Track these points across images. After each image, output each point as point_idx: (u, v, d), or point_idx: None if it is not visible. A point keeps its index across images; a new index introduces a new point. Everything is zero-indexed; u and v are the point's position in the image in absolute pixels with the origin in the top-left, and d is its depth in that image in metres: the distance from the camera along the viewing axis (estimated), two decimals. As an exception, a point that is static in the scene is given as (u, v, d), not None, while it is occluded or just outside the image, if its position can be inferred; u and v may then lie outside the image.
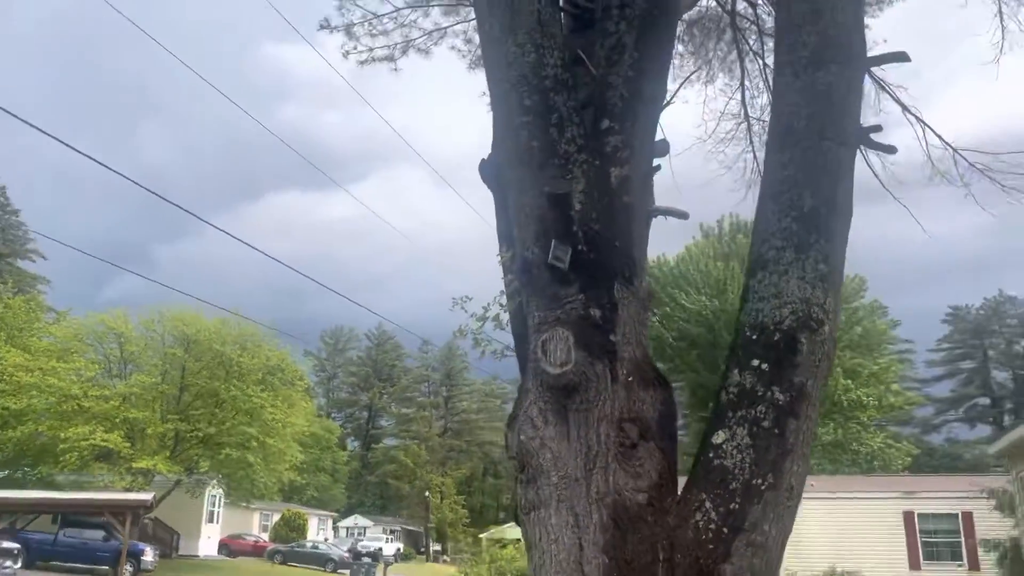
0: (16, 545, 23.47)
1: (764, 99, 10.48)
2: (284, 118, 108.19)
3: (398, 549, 61.01)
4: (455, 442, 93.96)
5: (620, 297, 4.10)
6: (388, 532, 73.22)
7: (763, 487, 3.86)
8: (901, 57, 4.43)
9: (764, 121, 10.64)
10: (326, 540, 56.93)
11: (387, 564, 40.18)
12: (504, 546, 22.94)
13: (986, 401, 71.84)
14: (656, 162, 4.55)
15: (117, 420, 31.99)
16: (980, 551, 20.75)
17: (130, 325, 35.15)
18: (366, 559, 37.95)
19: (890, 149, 4.82)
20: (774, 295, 4.06)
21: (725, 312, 33.68)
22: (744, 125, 10.61)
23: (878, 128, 4.41)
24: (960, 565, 21.88)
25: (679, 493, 4.01)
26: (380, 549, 45.15)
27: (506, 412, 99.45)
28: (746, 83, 10.26)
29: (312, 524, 59.38)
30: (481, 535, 77.19)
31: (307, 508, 62.07)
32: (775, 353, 3.98)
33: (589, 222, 4.12)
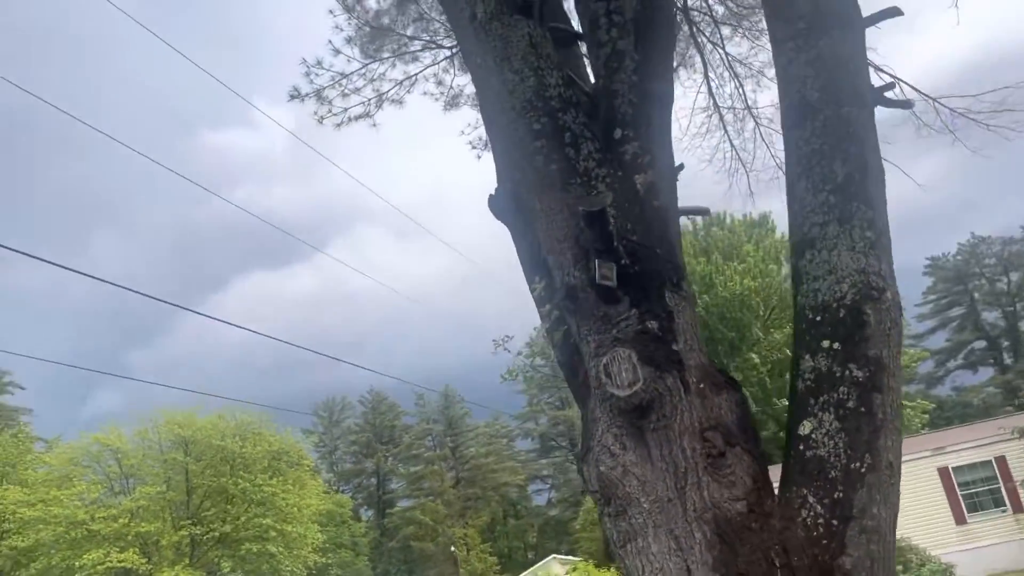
0: None
1: (730, 88, 10.56)
2: (236, 200, 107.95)
3: (436, 611, 59.79)
4: (470, 491, 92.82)
5: (673, 305, 4.00)
6: (421, 596, 71.90)
7: (863, 470, 3.74)
8: (895, 12, 4.40)
9: (735, 109, 10.72)
10: (361, 617, 55.67)
11: (430, 628, 39.17)
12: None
13: (982, 344, 72.45)
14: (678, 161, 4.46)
15: (129, 537, 31.16)
16: (1021, 492, 20.69)
17: (124, 439, 34.44)
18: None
19: (906, 104, 4.79)
20: (828, 272, 3.97)
21: (716, 306, 33.79)
22: (715, 116, 10.67)
23: (891, 86, 4.37)
24: (1004, 510, 21.79)
25: (776, 494, 3.87)
26: (418, 614, 44.02)
27: (515, 449, 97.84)
28: (710, 74, 10.33)
29: (345, 603, 58.11)
30: (515, 579, 76.18)
31: (336, 588, 60.82)
32: (843, 330, 3.88)
33: (626, 234, 4.03)
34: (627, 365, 3.86)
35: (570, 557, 64.37)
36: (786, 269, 37.73)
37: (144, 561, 30.74)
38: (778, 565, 3.64)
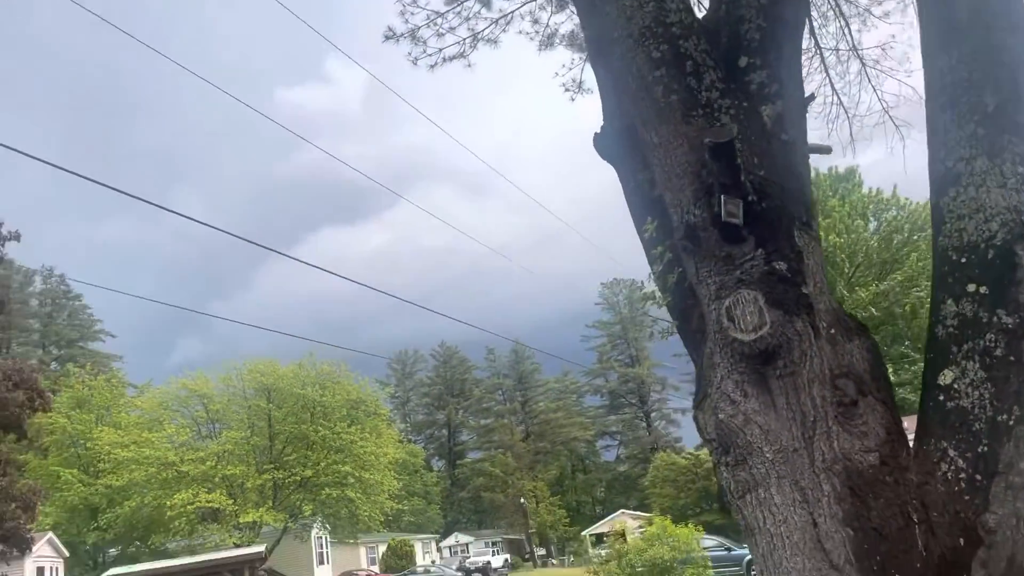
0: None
1: (834, 27, 9.96)
2: (305, 160, 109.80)
3: (506, 560, 60.98)
4: (539, 444, 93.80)
5: (803, 244, 3.77)
6: (491, 544, 73.36)
7: (1011, 422, 3.48)
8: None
9: (838, 51, 10.14)
10: (433, 563, 57.23)
11: (501, 575, 40.04)
12: (617, 539, 22.54)
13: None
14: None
15: (216, 479, 32.53)
16: None
17: (210, 385, 35.79)
18: (477, 574, 37.80)
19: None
20: (975, 210, 3.66)
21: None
22: (816, 58, 10.11)
23: (1047, 7, 3.96)
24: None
25: (911, 447, 3.64)
26: (488, 563, 44.98)
27: (584, 405, 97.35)
28: (812, 13, 9.77)
29: (417, 549, 59.82)
30: (583, 532, 76.98)
31: (409, 534, 62.56)
32: (991, 273, 3.59)
33: (752, 169, 3.78)
34: (752, 308, 3.66)
35: (639, 512, 64.68)
36: (873, 225, 36.28)
37: (230, 502, 32.09)
38: (916, 520, 3.43)
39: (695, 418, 4.15)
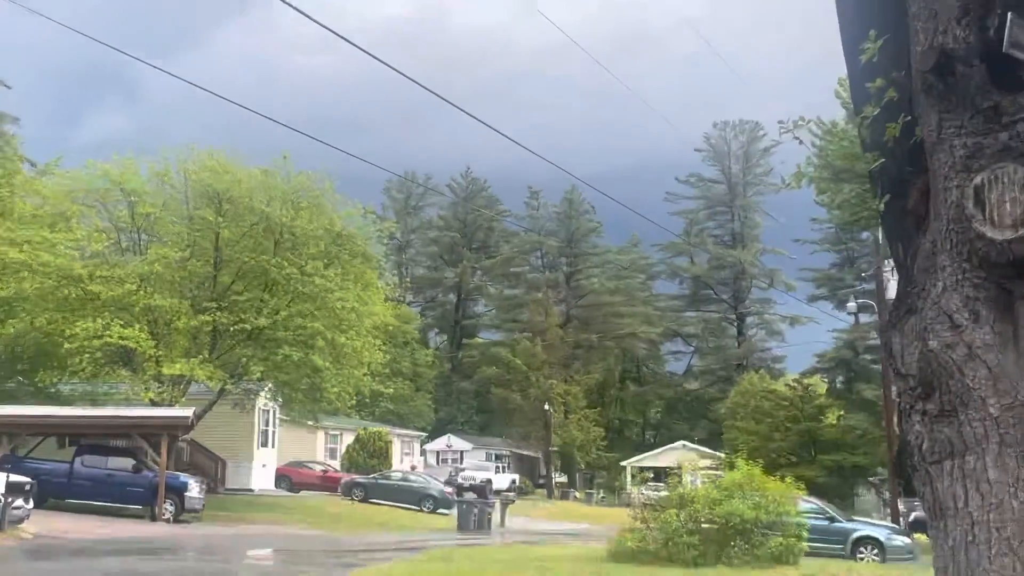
0: (28, 480, 25.30)
1: None
2: None
3: (513, 482, 63.39)
4: (582, 335, 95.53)
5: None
6: (494, 458, 76.06)
7: None
8: None
9: None
10: (413, 469, 59.63)
11: (505, 502, 41.67)
12: (672, 480, 23.08)
13: None
14: None
15: (136, 310, 33.52)
16: None
17: (140, 178, 36.21)
18: (470, 495, 39.32)
19: None
20: None
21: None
22: None
23: None
24: None
25: None
26: (489, 482, 46.70)
27: (653, 291, 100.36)
28: None
29: (395, 447, 62.27)
30: (623, 462, 79.39)
31: (387, 425, 64.89)
32: None
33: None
34: (1018, 192, 3.54)
35: (706, 449, 66.34)
36: None
37: (152, 344, 33.20)
38: None
39: (885, 341, 4.11)
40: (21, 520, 24.21)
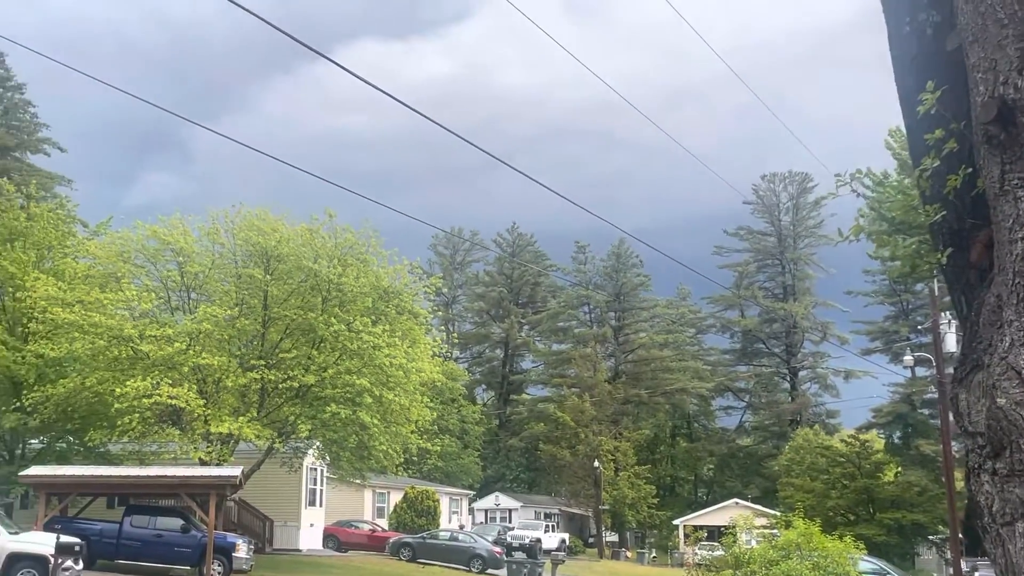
0: (78, 540, 25.53)
1: None
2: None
3: (563, 541, 62.81)
4: (632, 391, 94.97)
5: None
6: (543, 517, 75.51)
7: None
8: None
9: None
10: (462, 528, 59.33)
11: (556, 562, 41.25)
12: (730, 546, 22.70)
13: None
14: None
15: (185, 369, 33.81)
16: None
17: (190, 237, 36.73)
18: (520, 554, 39.09)
19: None
20: None
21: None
22: None
23: None
24: None
25: None
26: (538, 541, 46.46)
27: (704, 346, 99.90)
28: None
29: (443, 505, 62.04)
30: (676, 520, 78.48)
31: (435, 484, 64.73)
32: None
33: None
34: (1088, 245, 3.50)
35: (760, 507, 65.38)
36: None
37: (201, 403, 33.42)
38: None
39: (953, 396, 4.05)
40: (71, 581, 24.39)
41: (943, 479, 40.71)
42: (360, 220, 38.76)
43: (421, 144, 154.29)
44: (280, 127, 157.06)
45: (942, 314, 32.54)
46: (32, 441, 39.30)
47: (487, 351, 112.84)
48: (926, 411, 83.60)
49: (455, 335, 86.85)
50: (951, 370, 31.57)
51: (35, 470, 31.75)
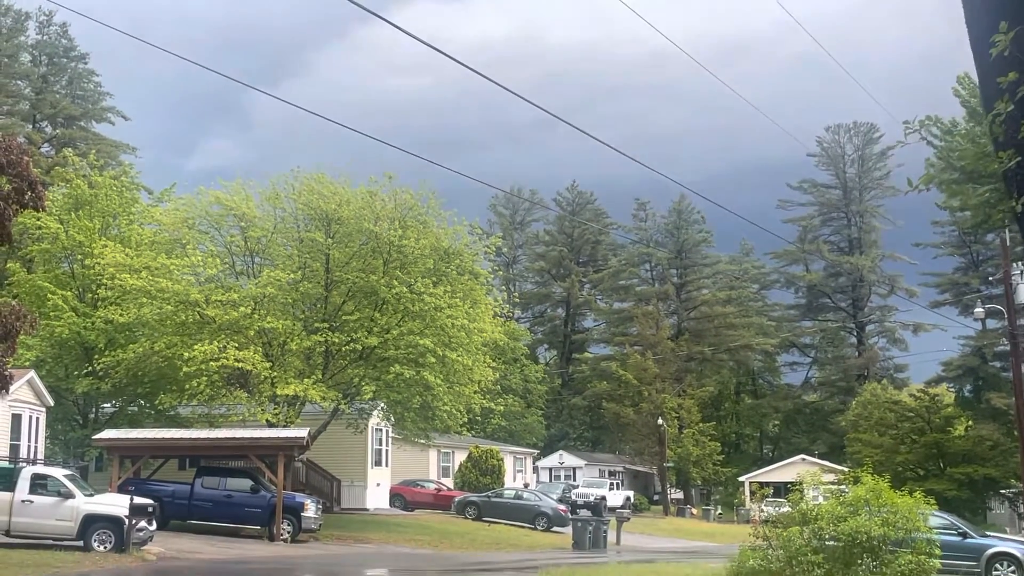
0: (152, 502, 26.12)
1: None
2: None
3: (628, 499, 62.93)
4: (695, 348, 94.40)
5: None
6: (607, 475, 75.62)
7: None
8: None
9: None
10: (527, 486, 59.63)
11: (621, 520, 41.37)
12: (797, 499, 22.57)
13: None
14: None
15: (250, 333, 34.29)
16: None
17: (252, 203, 37.08)
18: (584, 512, 39.09)
19: None
20: None
21: None
22: None
23: None
24: None
25: None
26: (603, 499, 46.34)
27: (768, 301, 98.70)
28: None
29: (508, 464, 62.39)
30: (741, 477, 78.20)
31: (499, 443, 65.10)
32: None
33: None
34: None
35: (827, 463, 64.90)
36: None
37: (267, 366, 33.92)
38: None
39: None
40: (145, 542, 25.01)
41: (1016, 432, 40.07)
42: (418, 182, 38.61)
43: (478, 105, 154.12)
44: (337, 91, 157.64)
45: (1014, 264, 31.82)
46: (104, 405, 40.16)
47: (548, 310, 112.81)
48: (998, 364, 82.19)
49: (516, 295, 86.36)
50: (1023, 321, 30.98)
51: (108, 433, 32.52)
